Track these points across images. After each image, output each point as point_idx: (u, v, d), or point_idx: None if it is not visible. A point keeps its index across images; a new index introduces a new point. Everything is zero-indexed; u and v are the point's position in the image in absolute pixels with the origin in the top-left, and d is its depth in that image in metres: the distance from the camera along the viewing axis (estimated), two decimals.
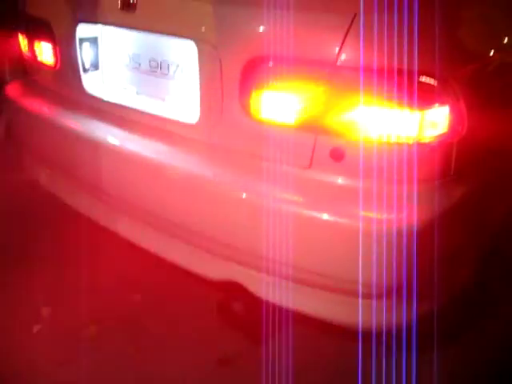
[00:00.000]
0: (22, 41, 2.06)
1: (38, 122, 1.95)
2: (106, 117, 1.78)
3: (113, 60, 1.78)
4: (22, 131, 2.09)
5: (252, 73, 1.39)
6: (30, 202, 2.60)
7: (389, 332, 1.43)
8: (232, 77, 1.42)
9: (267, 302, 1.53)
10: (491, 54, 1.48)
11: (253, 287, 1.52)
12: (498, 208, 1.69)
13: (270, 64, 1.36)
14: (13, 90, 2.12)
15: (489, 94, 1.45)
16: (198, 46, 1.47)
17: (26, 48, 2.03)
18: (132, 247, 1.77)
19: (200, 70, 1.49)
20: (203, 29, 1.46)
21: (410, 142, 1.31)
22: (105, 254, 2.17)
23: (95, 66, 1.82)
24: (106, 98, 1.80)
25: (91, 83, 1.84)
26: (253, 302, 1.56)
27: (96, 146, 1.74)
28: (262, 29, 1.37)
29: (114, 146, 1.72)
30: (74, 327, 1.88)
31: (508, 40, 1.55)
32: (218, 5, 1.43)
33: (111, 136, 1.74)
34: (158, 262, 1.73)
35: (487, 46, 1.47)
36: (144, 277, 2.13)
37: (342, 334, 1.57)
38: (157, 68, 1.64)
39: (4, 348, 1.81)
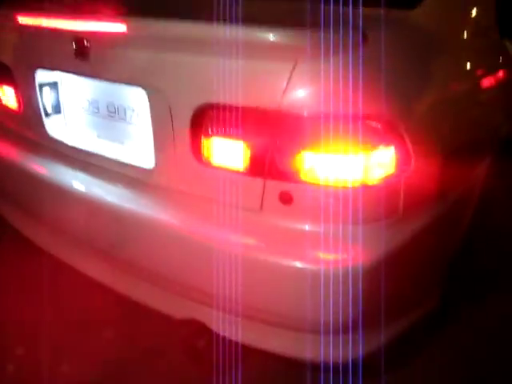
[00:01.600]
0: None
1: (2, 163, 1.98)
2: (69, 160, 1.82)
3: (73, 105, 1.82)
4: None
5: (200, 119, 1.43)
6: None
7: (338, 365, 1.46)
8: (182, 123, 1.46)
9: (228, 339, 1.57)
10: (433, 92, 1.51)
11: (212, 325, 1.56)
12: (451, 238, 1.73)
13: (218, 111, 1.40)
14: None
15: (433, 132, 1.49)
16: (147, 93, 1.51)
17: None
18: (94, 285, 1.80)
19: (152, 116, 1.53)
20: (152, 77, 1.50)
21: (357, 184, 1.35)
22: (68, 292, 2.20)
23: (57, 110, 1.86)
24: (67, 142, 1.84)
25: (53, 127, 1.87)
26: (215, 338, 1.59)
27: (58, 189, 1.78)
28: (209, 76, 1.40)
29: (75, 189, 1.75)
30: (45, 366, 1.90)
31: (449, 77, 1.59)
32: (165, 53, 1.46)
33: (73, 179, 1.78)
34: (120, 299, 1.76)
35: (429, 86, 1.51)
36: (110, 313, 2.16)
37: (300, 365, 1.60)
38: (114, 113, 1.68)
39: None
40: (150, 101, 1.51)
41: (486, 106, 1.80)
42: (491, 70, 1.82)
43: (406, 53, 1.46)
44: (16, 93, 1.92)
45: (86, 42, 1.57)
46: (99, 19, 1.55)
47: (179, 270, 1.52)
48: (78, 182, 1.76)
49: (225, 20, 1.37)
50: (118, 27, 1.47)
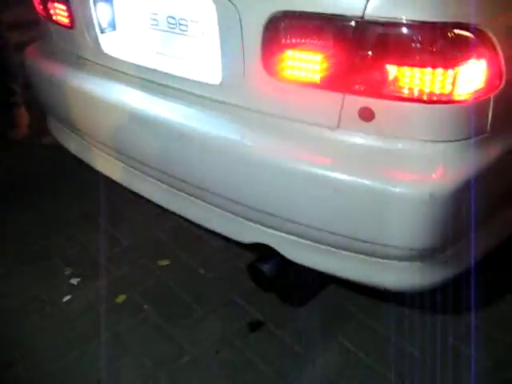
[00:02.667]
0: (37, 1, 2.00)
1: (57, 83, 1.91)
2: (126, 78, 1.74)
3: (129, 19, 1.72)
4: (43, 93, 2.06)
5: (274, 31, 1.31)
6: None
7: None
8: (253, 35, 1.34)
9: (297, 265, 1.52)
10: None
11: (283, 250, 1.51)
12: None
13: (293, 21, 1.29)
14: (32, 52, 2.08)
15: None
16: (215, 2, 1.40)
17: (41, 7, 1.97)
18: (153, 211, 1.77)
19: (220, 28, 1.42)
20: None
21: (444, 99, 1.24)
22: (127, 218, 2.20)
23: (112, 26, 1.77)
24: (124, 58, 1.75)
25: (108, 43, 1.78)
26: (283, 264, 1.56)
27: (115, 108, 1.71)
28: None
29: (133, 107, 1.67)
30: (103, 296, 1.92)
31: None
32: None
33: (131, 97, 1.70)
34: (181, 225, 1.73)
35: None
36: (169, 241, 2.15)
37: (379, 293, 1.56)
38: (175, 26, 1.57)
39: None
40: (218, 11, 1.40)
41: None
42: None
43: None
44: (69, 9, 1.82)
45: None
46: None
47: (250, 192, 1.45)
48: (137, 100, 1.68)
49: None
50: None
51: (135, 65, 1.72)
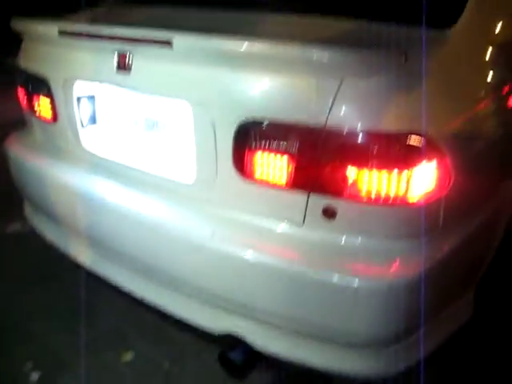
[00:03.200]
0: (22, 94, 2.11)
1: (37, 174, 1.99)
2: (103, 172, 1.83)
3: (110, 117, 1.84)
4: (22, 183, 2.13)
5: (244, 135, 1.44)
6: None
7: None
8: (225, 139, 1.47)
9: (265, 353, 1.57)
10: (472, 109, 1.52)
11: (253, 340, 1.56)
12: (488, 250, 1.74)
13: (262, 127, 1.41)
14: (13, 142, 2.17)
15: (472, 147, 1.50)
16: (192, 106, 1.52)
17: (25, 102, 2.08)
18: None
19: (195, 130, 1.54)
20: (197, 91, 1.51)
21: (399, 200, 1.35)
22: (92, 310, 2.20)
23: (93, 122, 1.88)
24: (102, 155, 1.85)
25: (88, 139, 1.89)
26: (252, 352, 1.60)
27: (92, 201, 1.79)
28: (254, 92, 1.42)
29: (110, 202, 1.76)
30: None
31: (486, 94, 1.60)
32: (211, 68, 1.48)
33: (107, 192, 1.78)
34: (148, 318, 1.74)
35: (467, 103, 1.51)
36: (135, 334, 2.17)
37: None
38: (153, 127, 1.69)
39: None
40: (194, 115, 1.53)
41: None
42: None
43: (445, 70, 1.46)
44: (52, 104, 1.93)
45: (129, 55, 1.59)
46: (143, 33, 1.56)
47: (221, 283, 1.52)
48: (114, 195, 1.76)
49: (271, 36, 1.39)
50: (164, 41, 1.48)
51: (113, 162, 1.82)
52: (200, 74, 1.50)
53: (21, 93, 2.11)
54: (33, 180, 2.03)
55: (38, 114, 2.02)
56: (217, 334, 1.62)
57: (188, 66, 1.51)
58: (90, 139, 1.89)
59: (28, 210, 2.26)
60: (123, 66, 1.62)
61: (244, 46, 1.37)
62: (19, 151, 2.10)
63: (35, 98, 2.01)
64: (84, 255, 1.97)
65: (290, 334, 1.51)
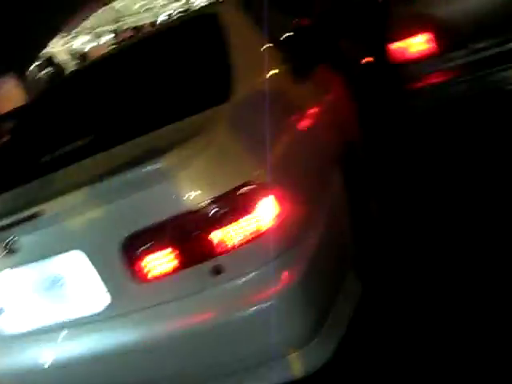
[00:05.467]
0: None
1: None
2: (29, 345, 2.08)
3: (14, 296, 2.07)
4: None
5: (128, 252, 1.82)
6: None
7: None
8: (117, 262, 1.83)
9: None
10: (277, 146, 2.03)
11: None
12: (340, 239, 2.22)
13: (138, 238, 1.79)
14: None
15: (291, 177, 1.99)
16: (85, 251, 1.85)
17: None
18: None
19: (95, 267, 1.87)
20: (83, 237, 1.86)
21: (261, 233, 1.77)
22: None
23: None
24: (22, 330, 2.08)
25: (4, 323, 2.11)
26: None
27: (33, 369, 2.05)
28: (122, 217, 1.80)
29: (48, 359, 2.02)
30: None
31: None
32: (82, 215, 1.84)
33: (43, 353, 2.05)
34: None
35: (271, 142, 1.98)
36: None
37: None
38: (54, 284, 1.97)
39: None
40: (89, 256, 1.86)
41: (314, 140, 2.34)
42: (302, 115, 2.38)
43: (241, 132, 1.95)
44: None
45: (12, 238, 1.90)
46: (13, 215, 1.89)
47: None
48: (48, 353, 2.03)
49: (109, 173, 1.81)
50: (39, 212, 1.84)
51: (35, 329, 2.06)
52: (77, 224, 1.85)
53: None
54: None
55: None
56: None
57: (64, 223, 1.87)
58: (6, 322, 2.11)
59: None
60: (10, 249, 1.91)
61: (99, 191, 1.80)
62: None
63: None
64: None
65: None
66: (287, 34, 2.82)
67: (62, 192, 1.89)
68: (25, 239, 1.91)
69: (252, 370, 1.86)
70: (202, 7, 4.12)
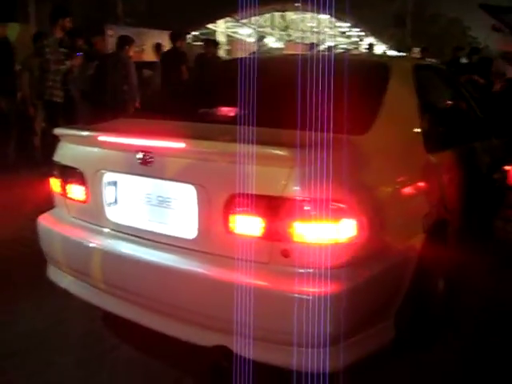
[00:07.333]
0: (55, 183, 2.85)
1: (71, 243, 2.71)
2: (124, 236, 2.58)
3: (129, 197, 2.60)
4: (53, 249, 2.82)
5: (229, 204, 2.24)
6: None
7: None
8: (218, 207, 2.26)
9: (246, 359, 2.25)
10: (382, 186, 2.43)
11: (235, 348, 2.25)
12: (395, 288, 2.53)
13: (241, 198, 2.21)
14: (47, 218, 2.88)
15: (379, 212, 2.35)
16: (196, 188, 2.32)
17: (59, 188, 2.81)
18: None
19: (198, 203, 2.33)
20: (200, 177, 2.32)
21: (330, 243, 2.15)
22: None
23: (115, 201, 2.63)
24: (124, 223, 2.60)
25: (112, 213, 2.63)
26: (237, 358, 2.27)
27: (116, 259, 2.53)
28: (235, 177, 2.22)
29: (129, 256, 2.50)
30: None
31: (389, 182, 2.51)
32: (208, 161, 2.31)
33: (127, 249, 2.52)
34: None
35: (380, 181, 2.41)
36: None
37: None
38: (163, 202, 2.47)
39: None
40: (197, 193, 2.32)
41: (414, 199, 2.71)
42: (416, 175, 2.77)
43: (361, 162, 2.37)
44: (86, 190, 2.69)
45: (150, 154, 2.40)
46: (161, 138, 2.39)
47: (215, 307, 2.25)
48: (132, 251, 2.50)
49: (245, 140, 2.22)
50: (176, 145, 2.32)
51: (132, 227, 2.57)
52: (202, 166, 2.32)
53: (54, 182, 2.85)
54: (66, 245, 2.73)
55: (70, 196, 2.76)
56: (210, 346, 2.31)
57: (193, 161, 2.34)
58: (114, 213, 2.64)
59: (52, 272, 2.91)
60: (146, 161, 2.41)
61: (228, 147, 2.24)
62: (54, 224, 2.81)
63: (69, 185, 2.76)
64: (103, 299, 2.64)
65: (261, 340, 2.21)
66: (440, 109, 3.35)
67: (203, 137, 2.38)
68: (159, 159, 2.40)
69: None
70: (381, 55, 4.69)
